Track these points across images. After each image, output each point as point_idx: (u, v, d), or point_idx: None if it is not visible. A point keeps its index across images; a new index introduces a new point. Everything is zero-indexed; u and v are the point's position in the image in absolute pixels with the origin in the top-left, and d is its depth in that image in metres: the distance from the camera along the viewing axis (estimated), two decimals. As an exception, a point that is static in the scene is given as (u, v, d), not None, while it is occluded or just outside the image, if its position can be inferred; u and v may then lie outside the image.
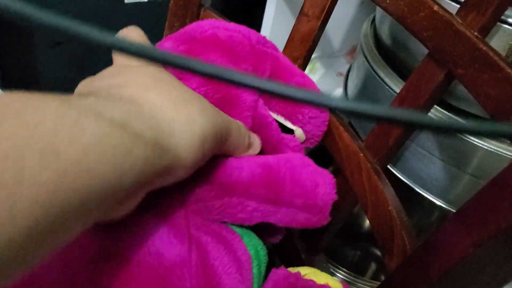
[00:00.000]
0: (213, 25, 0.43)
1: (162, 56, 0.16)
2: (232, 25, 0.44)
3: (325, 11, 0.49)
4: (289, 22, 0.45)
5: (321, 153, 0.53)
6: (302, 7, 0.50)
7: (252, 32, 0.44)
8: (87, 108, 0.22)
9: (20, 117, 0.20)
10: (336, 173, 0.47)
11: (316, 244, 0.51)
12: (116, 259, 0.30)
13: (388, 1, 0.41)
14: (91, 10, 0.70)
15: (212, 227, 0.35)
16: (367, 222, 0.83)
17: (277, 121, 0.43)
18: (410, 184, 0.54)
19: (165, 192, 0.34)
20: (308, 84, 0.45)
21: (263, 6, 0.80)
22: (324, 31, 0.51)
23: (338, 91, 0.86)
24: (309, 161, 0.38)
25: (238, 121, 0.37)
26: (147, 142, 0.25)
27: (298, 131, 0.43)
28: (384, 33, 0.60)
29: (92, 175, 0.21)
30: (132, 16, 0.63)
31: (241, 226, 0.37)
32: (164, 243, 0.32)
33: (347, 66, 0.81)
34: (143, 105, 0.27)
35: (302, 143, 0.44)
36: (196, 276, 0.31)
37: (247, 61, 0.41)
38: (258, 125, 0.41)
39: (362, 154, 0.43)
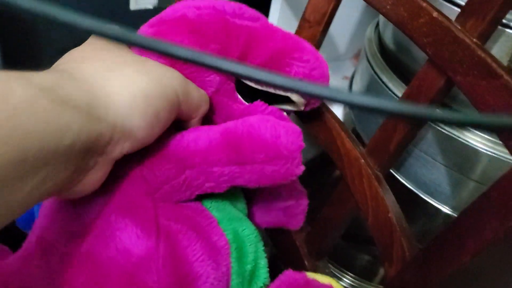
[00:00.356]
0: (185, 5, 0.42)
1: (133, 38, 0.17)
2: (207, 2, 0.42)
3: (326, 17, 0.49)
4: (293, 27, 0.45)
5: (324, 160, 0.53)
6: (303, 13, 0.50)
7: (228, 4, 0.42)
8: (17, 75, 0.24)
9: None
10: (339, 179, 0.48)
11: (319, 249, 0.51)
12: (86, 261, 0.31)
13: (388, 7, 0.41)
14: (97, 16, 0.70)
15: (185, 213, 0.35)
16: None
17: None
18: (414, 190, 0.54)
19: (128, 184, 0.34)
20: (289, 46, 0.41)
21: (267, 11, 0.81)
22: (330, 34, 0.51)
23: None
24: (269, 117, 0.37)
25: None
26: (78, 105, 0.26)
27: (294, 97, 0.42)
28: (388, 38, 0.60)
29: (25, 131, 0.22)
30: (137, 23, 0.62)
31: (222, 208, 0.38)
32: (131, 239, 0.32)
33: (353, 69, 0.81)
34: (74, 74, 0.28)
35: (306, 105, 0.44)
36: (163, 267, 0.32)
37: (216, 40, 0.40)
38: (220, 99, 0.41)
39: (363, 161, 0.43)
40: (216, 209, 0.37)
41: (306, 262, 0.52)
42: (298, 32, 0.51)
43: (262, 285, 0.38)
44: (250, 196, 0.44)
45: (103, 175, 0.31)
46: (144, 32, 0.41)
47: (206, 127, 0.36)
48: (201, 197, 0.37)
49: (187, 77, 0.36)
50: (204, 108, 0.37)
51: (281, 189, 0.45)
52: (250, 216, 0.45)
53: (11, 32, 0.64)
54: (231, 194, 0.39)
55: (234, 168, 0.35)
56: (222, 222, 0.37)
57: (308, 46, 0.42)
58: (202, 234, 0.34)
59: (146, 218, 0.34)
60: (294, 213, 0.46)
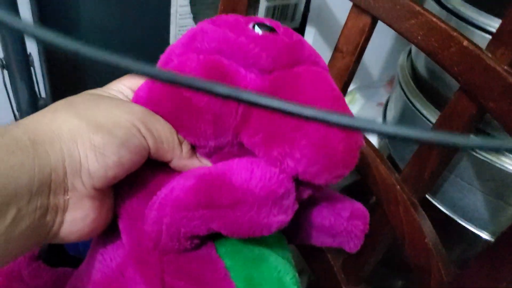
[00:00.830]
0: (183, 51, 0.37)
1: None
2: (213, 41, 0.36)
3: (359, 47, 0.50)
4: (326, 56, 0.45)
5: (360, 186, 0.53)
6: (336, 44, 0.52)
7: (240, 47, 0.36)
8: None
9: None
10: (375, 206, 0.48)
11: (357, 274, 0.51)
12: None
13: (419, 37, 0.42)
14: (137, 52, 0.74)
15: (190, 266, 0.35)
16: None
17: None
18: (451, 215, 0.54)
19: (139, 236, 0.35)
20: (283, 132, 0.35)
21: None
22: (363, 61, 0.52)
23: (378, 122, 0.86)
24: (258, 160, 0.34)
25: (166, 126, 0.35)
26: (25, 144, 0.28)
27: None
28: (420, 65, 0.61)
29: None
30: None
31: (238, 250, 0.36)
32: None
33: (387, 96, 0.81)
34: (22, 120, 0.31)
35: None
36: None
37: (209, 109, 0.35)
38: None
39: (398, 187, 0.44)
40: (230, 255, 0.36)
41: (344, 288, 0.52)
42: (331, 62, 0.52)
43: None
44: (302, 215, 0.43)
45: (87, 214, 0.32)
46: None
47: (192, 170, 0.35)
48: (215, 240, 0.36)
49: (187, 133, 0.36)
50: (177, 150, 0.36)
51: (333, 208, 0.43)
52: (302, 235, 0.44)
53: (59, 64, 0.68)
54: None
55: (205, 212, 0.32)
56: (234, 269, 0.35)
57: (311, 131, 0.34)
58: None
59: (152, 275, 0.34)
60: (346, 239, 0.44)
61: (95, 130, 0.31)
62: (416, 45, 0.43)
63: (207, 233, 0.34)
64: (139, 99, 0.36)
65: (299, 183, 0.35)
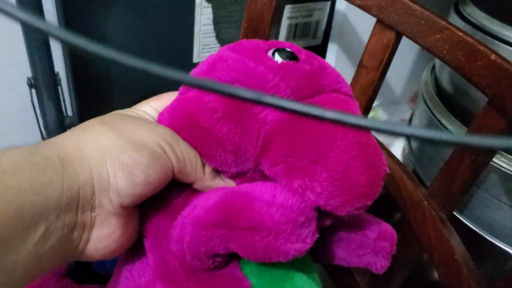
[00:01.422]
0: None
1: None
2: (233, 64, 0.36)
3: (383, 62, 0.50)
4: (349, 72, 0.45)
5: (384, 203, 0.53)
6: (360, 59, 0.52)
7: (255, 74, 0.35)
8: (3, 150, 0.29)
9: None
10: (401, 221, 0.48)
11: (384, 293, 0.51)
12: None
13: (445, 51, 0.42)
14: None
15: (215, 284, 0.34)
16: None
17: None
18: (479, 232, 0.53)
19: (166, 254, 0.35)
20: (308, 153, 0.34)
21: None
22: (386, 78, 0.52)
23: (401, 139, 0.86)
24: (276, 185, 0.34)
25: (190, 151, 0.36)
26: (54, 162, 0.29)
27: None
28: (445, 80, 0.61)
29: (17, 190, 0.26)
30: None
31: (263, 270, 0.35)
32: None
33: (410, 112, 0.81)
34: (52, 139, 0.32)
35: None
36: None
37: (229, 139, 0.35)
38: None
39: (426, 203, 0.43)
40: (255, 274, 0.36)
41: (371, 306, 0.51)
42: (355, 78, 0.52)
43: None
44: (328, 235, 0.42)
45: (113, 231, 0.33)
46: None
47: (215, 189, 0.35)
48: (240, 259, 0.36)
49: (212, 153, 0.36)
50: (199, 173, 0.36)
51: (360, 229, 0.42)
52: (328, 255, 0.43)
53: (86, 83, 0.69)
54: None
55: (224, 232, 0.32)
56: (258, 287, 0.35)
57: (331, 164, 0.33)
58: None
59: None
60: (373, 260, 0.42)
61: (123, 149, 0.32)
62: (442, 60, 0.43)
63: (226, 252, 0.33)
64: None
65: (321, 211, 0.35)
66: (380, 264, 0.42)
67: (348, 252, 0.42)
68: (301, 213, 0.32)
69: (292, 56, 0.37)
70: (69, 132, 0.33)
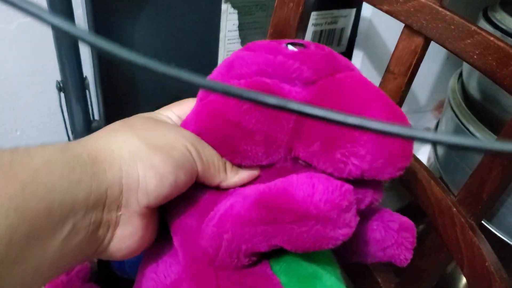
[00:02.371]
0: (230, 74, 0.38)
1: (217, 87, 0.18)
2: (254, 63, 0.37)
3: (411, 68, 0.50)
4: (374, 80, 0.45)
5: (410, 210, 0.52)
6: (388, 65, 0.52)
7: (281, 64, 0.37)
8: (33, 147, 0.29)
9: None
10: (429, 228, 0.47)
11: (410, 302, 0.50)
12: None
13: (475, 56, 0.42)
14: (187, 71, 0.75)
15: (246, 282, 0.34)
16: (462, 283, 0.79)
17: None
18: (508, 241, 0.52)
19: (195, 252, 0.35)
20: (342, 135, 0.35)
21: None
22: (411, 86, 0.52)
23: (427, 147, 0.85)
24: (318, 175, 0.34)
25: (213, 153, 0.37)
26: (85, 162, 0.30)
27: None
28: (473, 87, 0.60)
29: (48, 188, 0.27)
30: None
31: (293, 268, 0.36)
32: None
33: (435, 121, 0.80)
34: (82, 140, 0.33)
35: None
36: None
37: (259, 129, 0.36)
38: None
39: (455, 209, 0.43)
40: (284, 272, 0.36)
41: (396, 315, 0.51)
42: (382, 84, 0.52)
43: None
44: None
45: (136, 231, 0.33)
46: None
47: (251, 187, 0.36)
48: (269, 258, 0.36)
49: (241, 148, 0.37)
50: (222, 175, 0.37)
51: (382, 221, 0.42)
52: (353, 251, 0.43)
53: (113, 87, 0.70)
54: None
55: (267, 228, 0.32)
56: (289, 286, 0.35)
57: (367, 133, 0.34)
58: None
59: None
60: (396, 252, 0.42)
61: (154, 150, 0.32)
62: (472, 65, 0.42)
63: (268, 249, 0.33)
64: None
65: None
66: (404, 255, 0.42)
67: (371, 246, 0.42)
68: (343, 197, 0.32)
69: (304, 46, 0.39)
70: (99, 133, 0.34)
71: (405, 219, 0.43)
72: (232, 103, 0.36)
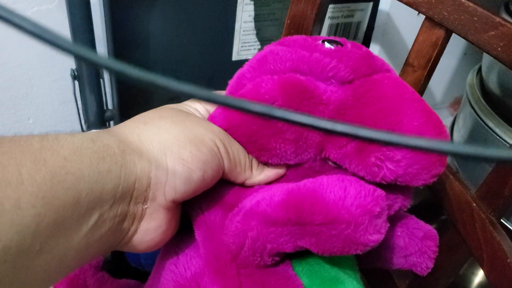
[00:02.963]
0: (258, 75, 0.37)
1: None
2: (288, 61, 0.36)
3: (431, 61, 0.49)
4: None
5: (427, 207, 0.51)
6: (407, 57, 0.51)
7: (317, 61, 0.36)
8: (63, 134, 0.29)
9: (14, 142, 0.26)
10: (446, 224, 0.46)
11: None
12: None
13: (499, 48, 0.41)
14: (200, 67, 0.75)
15: (268, 281, 0.34)
16: (474, 285, 0.78)
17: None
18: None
19: (217, 249, 0.35)
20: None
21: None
22: (427, 83, 0.51)
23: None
24: (349, 178, 0.33)
25: (241, 150, 0.36)
26: (114, 152, 0.29)
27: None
28: (492, 82, 0.59)
29: (75, 176, 0.26)
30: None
31: (316, 271, 0.35)
32: None
33: (451, 118, 0.79)
34: (112, 129, 0.33)
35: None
36: None
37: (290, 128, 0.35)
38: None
39: (475, 204, 0.42)
40: (306, 274, 0.35)
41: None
42: (401, 76, 0.51)
43: None
44: None
45: (160, 225, 0.33)
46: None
47: (278, 185, 0.36)
48: (292, 259, 0.36)
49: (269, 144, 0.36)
50: (248, 173, 0.37)
51: (407, 228, 0.42)
52: (375, 256, 0.42)
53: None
54: None
55: (295, 229, 0.32)
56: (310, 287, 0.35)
57: (407, 132, 0.34)
58: None
59: (230, 286, 0.34)
60: (418, 260, 0.42)
61: (184, 144, 0.32)
62: (496, 57, 0.41)
63: (293, 250, 0.33)
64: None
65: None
66: (425, 264, 0.41)
67: (394, 252, 0.41)
68: (376, 203, 0.31)
69: (341, 44, 0.38)
70: (130, 123, 0.34)
71: (429, 227, 0.42)
72: (263, 99, 0.35)
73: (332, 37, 0.39)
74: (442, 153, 0.16)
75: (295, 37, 0.39)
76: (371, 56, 0.37)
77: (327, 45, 0.37)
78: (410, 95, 0.35)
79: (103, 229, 0.29)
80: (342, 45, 0.38)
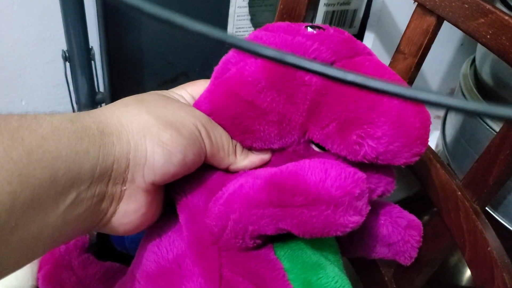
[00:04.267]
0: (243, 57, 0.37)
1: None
2: (276, 40, 0.37)
3: (422, 48, 0.49)
4: (384, 62, 0.45)
5: (418, 199, 0.51)
6: (398, 45, 0.50)
7: (301, 42, 0.36)
8: (42, 114, 0.29)
9: None
10: (433, 213, 0.46)
11: (409, 286, 0.49)
12: None
13: (488, 36, 0.40)
14: (194, 51, 0.74)
15: (249, 264, 0.34)
16: (466, 276, 0.78)
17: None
18: (514, 230, 0.51)
19: (199, 231, 0.35)
20: (360, 115, 0.35)
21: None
22: (422, 73, 0.51)
23: (435, 134, 0.84)
24: (330, 161, 0.33)
25: (224, 135, 0.36)
26: (93, 133, 0.29)
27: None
28: (485, 72, 0.58)
29: (52, 154, 0.27)
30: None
31: (297, 255, 0.35)
32: None
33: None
34: (92, 111, 0.32)
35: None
36: None
37: (274, 107, 0.36)
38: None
39: (460, 193, 0.42)
40: (288, 258, 0.36)
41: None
42: (392, 64, 0.51)
43: None
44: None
45: (139, 207, 0.33)
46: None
47: (261, 169, 0.36)
48: (274, 243, 0.36)
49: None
50: (231, 158, 0.37)
51: (391, 217, 0.42)
52: (358, 245, 0.42)
53: (119, 59, 0.69)
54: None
55: (277, 211, 0.32)
56: (293, 272, 0.35)
57: (386, 109, 0.34)
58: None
59: (211, 268, 0.34)
60: (402, 249, 0.42)
61: (164, 127, 0.32)
62: (485, 45, 0.41)
63: (274, 233, 0.33)
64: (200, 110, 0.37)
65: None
66: (409, 253, 0.41)
67: (377, 240, 0.41)
68: (356, 185, 0.31)
69: (323, 29, 0.38)
70: (110, 106, 0.34)
71: (413, 217, 0.42)
72: (247, 82, 0.35)
73: (315, 24, 0.40)
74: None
75: (279, 23, 0.40)
76: (352, 40, 0.38)
77: (309, 29, 0.38)
78: (390, 76, 0.36)
79: (81, 209, 0.29)
80: (324, 30, 0.38)
